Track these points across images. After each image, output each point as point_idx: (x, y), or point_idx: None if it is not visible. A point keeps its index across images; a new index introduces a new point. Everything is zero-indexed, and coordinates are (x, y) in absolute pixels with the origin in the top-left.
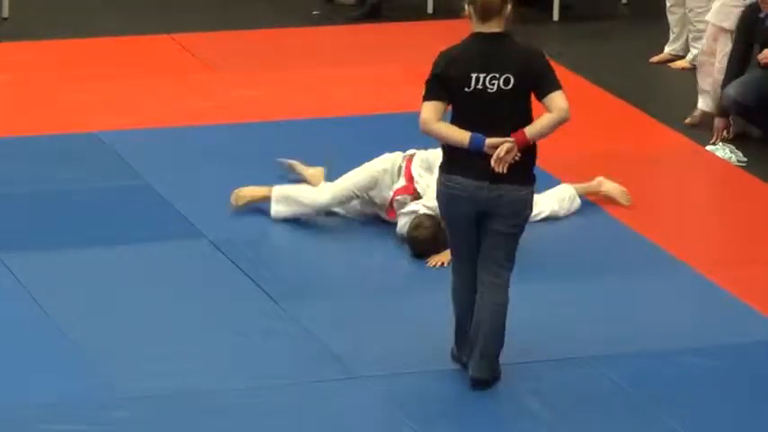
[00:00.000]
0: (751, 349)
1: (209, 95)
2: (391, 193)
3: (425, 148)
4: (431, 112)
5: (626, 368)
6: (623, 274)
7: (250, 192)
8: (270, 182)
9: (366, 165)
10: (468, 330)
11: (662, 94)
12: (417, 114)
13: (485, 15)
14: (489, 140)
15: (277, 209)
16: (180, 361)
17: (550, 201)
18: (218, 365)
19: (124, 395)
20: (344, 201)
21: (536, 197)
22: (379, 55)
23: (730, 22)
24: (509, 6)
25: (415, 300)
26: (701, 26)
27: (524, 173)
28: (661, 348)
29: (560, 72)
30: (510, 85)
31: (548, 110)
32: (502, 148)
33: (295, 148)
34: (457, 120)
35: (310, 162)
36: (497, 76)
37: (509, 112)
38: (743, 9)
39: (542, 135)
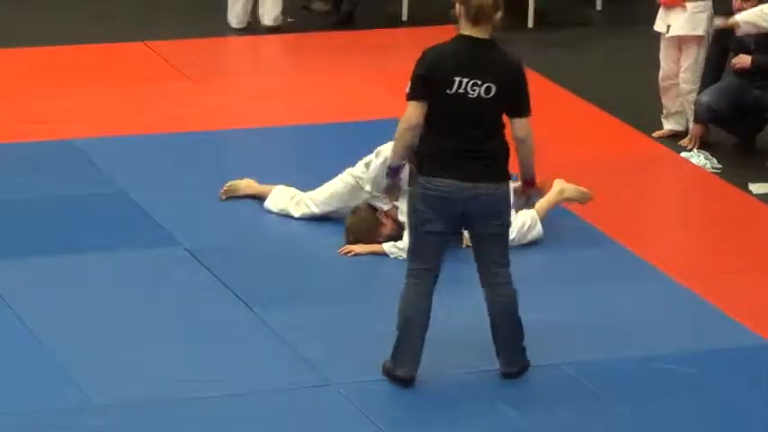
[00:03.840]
0: (723, 356)
1: (184, 103)
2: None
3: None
4: (413, 111)
5: (598, 374)
6: (596, 280)
7: (247, 185)
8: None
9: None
10: (414, 341)
11: (636, 101)
12: (392, 121)
13: (477, 18)
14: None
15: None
16: (154, 369)
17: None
18: (192, 373)
19: (98, 403)
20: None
21: None
22: (354, 62)
23: (702, 29)
24: (499, 14)
25: (388, 307)
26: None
27: (499, 171)
28: (633, 354)
29: (534, 79)
30: (491, 94)
31: (512, 128)
32: None
33: (269, 155)
34: (433, 119)
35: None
36: (479, 83)
37: (484, 118)
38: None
39: (533, 165)
